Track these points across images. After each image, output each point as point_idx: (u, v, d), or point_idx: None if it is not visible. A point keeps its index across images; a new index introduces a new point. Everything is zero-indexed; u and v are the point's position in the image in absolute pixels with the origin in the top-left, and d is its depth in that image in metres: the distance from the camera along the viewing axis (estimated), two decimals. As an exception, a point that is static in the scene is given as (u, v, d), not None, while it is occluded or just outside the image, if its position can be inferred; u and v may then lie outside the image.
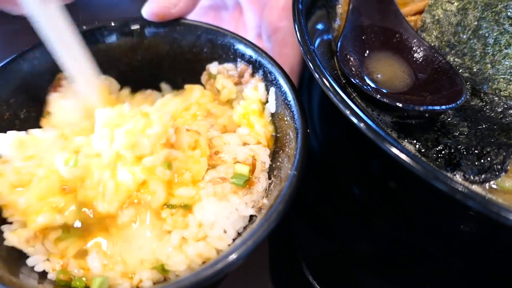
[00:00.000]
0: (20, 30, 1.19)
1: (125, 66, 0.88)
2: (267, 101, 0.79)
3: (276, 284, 0.76)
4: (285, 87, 0.74)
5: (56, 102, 0.78)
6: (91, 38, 0.83)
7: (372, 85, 0.71)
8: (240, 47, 0.82)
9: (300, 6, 0.74)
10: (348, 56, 0.73)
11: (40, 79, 0.80)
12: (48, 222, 0.63)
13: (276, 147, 0.76)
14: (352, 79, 0.68)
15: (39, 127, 0.77)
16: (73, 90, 0.77)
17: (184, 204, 0.66)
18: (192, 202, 0.66)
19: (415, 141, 0.65)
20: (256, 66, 0.81)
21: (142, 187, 0.65)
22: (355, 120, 0.57)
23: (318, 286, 0.71)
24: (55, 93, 0.79)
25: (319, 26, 0.83)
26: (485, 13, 0.71)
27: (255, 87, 0.80)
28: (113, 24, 0.84)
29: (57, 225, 0.64)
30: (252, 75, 0.82)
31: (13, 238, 0.63)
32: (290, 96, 0.73)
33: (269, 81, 0.79)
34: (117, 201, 0.64)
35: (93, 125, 0.70)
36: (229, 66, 0.85)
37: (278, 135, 0.77)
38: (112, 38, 0.85)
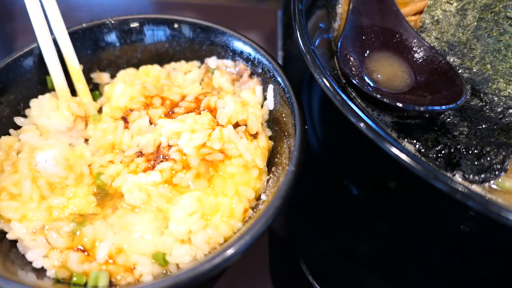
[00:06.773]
0: (20, 30, 1.20)
1: (124, 63, 0.88)
2: (265, 99, 0.80)
3: (276, 284, 0.76)
4: (284, 84, 0.74)
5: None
6: (90, 35, 0.84)
7: (372, 85, 0.71)
8: (239, 44, 0.83)
9: (300, 6, 0.74)
10: (348, 56, 0.73)
11: (39, 76, 0.80)
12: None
13: (275, 144, 0.76)
14: (352, 79, 0.68)
15: None
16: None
17: None
18: None
19: (415, 141, 0.65)
20: (255, 64, 0.81)
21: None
22: (355, 120, 0.57)
23: (318, 286, 0.71)
24: None
25: (319, 26, 0.83)
26: (484, 13, 0.71)
27: (253, 91, 0.80)
28: (112, 21, 0.85)
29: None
30: (251, 76, 0.82)
31: (20, 228, 0.63)
32: (288, 93, 0.73)
33: (267, 78, 0.79)
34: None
35: None
36: (228, 62, 0.85)
37: (276, 132, 0.77)
38: (112, 36, 0.86)
